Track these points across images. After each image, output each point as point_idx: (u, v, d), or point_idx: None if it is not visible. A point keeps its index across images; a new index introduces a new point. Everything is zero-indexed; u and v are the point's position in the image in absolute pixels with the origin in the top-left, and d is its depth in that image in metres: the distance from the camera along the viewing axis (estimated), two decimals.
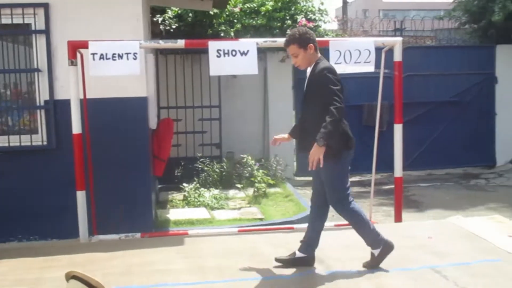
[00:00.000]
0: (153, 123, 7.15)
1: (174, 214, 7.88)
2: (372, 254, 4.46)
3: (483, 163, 12.08)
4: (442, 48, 12.48)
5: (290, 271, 4.40)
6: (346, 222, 4.59)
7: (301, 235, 5.20)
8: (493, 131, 12.11)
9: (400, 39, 5.98)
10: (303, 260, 4.56)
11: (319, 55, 4.50)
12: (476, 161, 12.05)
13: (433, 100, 11.70)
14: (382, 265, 4.45)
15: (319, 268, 4.48)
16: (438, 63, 11.80)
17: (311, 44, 4.39)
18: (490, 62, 12.09)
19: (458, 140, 11.83)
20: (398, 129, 5.93)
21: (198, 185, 8.99)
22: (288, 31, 4.69)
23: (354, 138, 4.44)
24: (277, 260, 4.59)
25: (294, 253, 4.61)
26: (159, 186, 9.31)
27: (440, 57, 11.92)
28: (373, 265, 4.44)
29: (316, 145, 4.10)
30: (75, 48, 5.42)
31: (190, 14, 10.44)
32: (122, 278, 4.29)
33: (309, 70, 4.49)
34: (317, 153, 4.10)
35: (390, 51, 5.96)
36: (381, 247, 4.43)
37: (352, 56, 5.61)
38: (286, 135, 4.79)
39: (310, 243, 4.59)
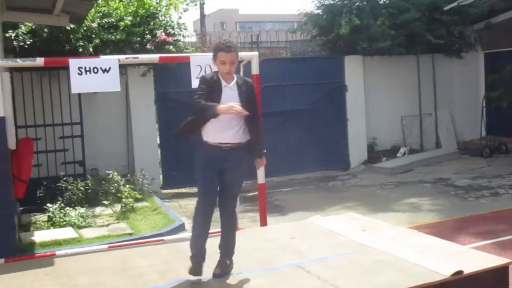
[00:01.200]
0: (12, 143, 6.90)
1: (39, 236, 7.63)
2: (226, 262, 4.65)
3: (339, 166, 12.93)
4: (296, 60, 13.22)
5: (165, 280, 4.51)
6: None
7: (170, 247, 5.37)
8: (346, 136, 13.03)
9: (256, 53, 6.34)
10: None
11: None
12: (333, 164, 12.87)
13: (290, 109, 12.34)
14: (247, 266, 4.70)
15: (191, 276, 4.61)
16: (293, 73, 12.48)
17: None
18: (340, 72, 13.01)
19: (316, 145, 12.56)
20: None
21: (62, 204, 8.76)
22: (222, 40, 4.68)
23: None
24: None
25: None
26: (21, 208, 8.93)
27: (295, 68, 12.61)
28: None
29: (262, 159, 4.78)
30: None
31: (46, 30, 10.15)
32: None
33: (233, 81, 4.59)
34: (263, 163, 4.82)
35: (248, 64, 6.30)
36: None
37: (212, 71, 5.86)
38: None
39: None
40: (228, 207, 4.66)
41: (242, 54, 6.61)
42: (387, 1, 13.79)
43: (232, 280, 4.47)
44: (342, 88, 13.01)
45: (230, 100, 4.45)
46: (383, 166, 12.65)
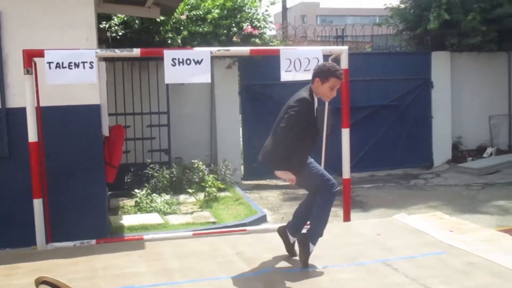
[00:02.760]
0: (105, 130, 7.20)
1: (127, 220, 7.95)
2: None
3: (421, 164, 12.66)
4: (381, 55, 13.02)
5: (255, 269, 4.58)
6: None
7: (255, 237, 5.44)
8: (430, 133, 12.73)
9: (346, 48, 6.29)
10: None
11: None
12: (415, 162, 12.63)
13: (373, 104, 12.20)
14: (334, 260, 4.71)
15: (279, 266, 4.67)
16: (378, 68, 12.32)
17: None
18: (426, 68, 12.71)
19: (398, 142, 12.38)
20: (345, 133, 6.22)
21: (149, 191, 9.07)
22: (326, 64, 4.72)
23: None
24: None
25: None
26: (109, 192, 9.30)
27: (379, 63, 12.44)
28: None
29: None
30: (31, 56, 5.42)
31: (137, 21, 10.50)
32: (88, 282, 4.36)
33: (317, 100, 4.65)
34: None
35: (335, 58, 6.26)
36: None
37: (301, 64, 5.88)
38: None
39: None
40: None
41: (331, 48, 6.62)
42: None
43: (319, 273, 4.48)
44: (428, 84, 12.72)
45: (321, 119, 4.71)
46: (468, 166, 12.27)
